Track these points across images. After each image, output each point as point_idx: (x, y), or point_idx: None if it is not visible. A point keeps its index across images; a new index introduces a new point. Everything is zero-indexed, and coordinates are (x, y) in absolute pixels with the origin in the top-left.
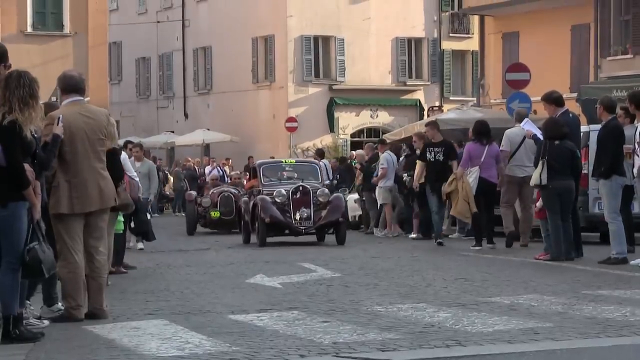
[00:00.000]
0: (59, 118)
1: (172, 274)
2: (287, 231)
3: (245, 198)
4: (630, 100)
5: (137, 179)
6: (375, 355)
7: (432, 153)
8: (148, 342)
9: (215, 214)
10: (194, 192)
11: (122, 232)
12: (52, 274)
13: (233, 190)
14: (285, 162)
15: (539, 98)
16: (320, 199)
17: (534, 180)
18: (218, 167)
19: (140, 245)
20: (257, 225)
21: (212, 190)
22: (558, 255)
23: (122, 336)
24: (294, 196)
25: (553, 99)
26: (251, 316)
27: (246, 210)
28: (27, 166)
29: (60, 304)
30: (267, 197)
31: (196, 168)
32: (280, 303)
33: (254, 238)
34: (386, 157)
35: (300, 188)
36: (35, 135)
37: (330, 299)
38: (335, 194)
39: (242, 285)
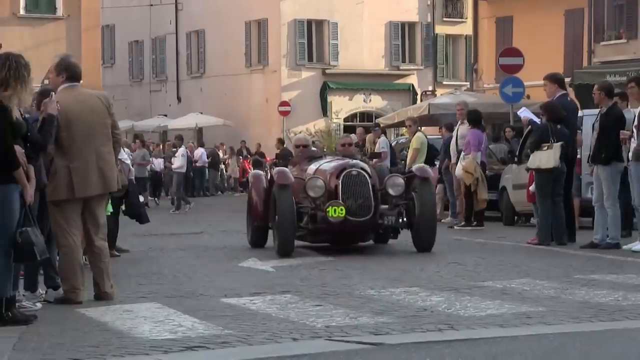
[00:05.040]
0: (50, 96)
1: (165, 258)
2: None
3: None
4: (636, 83)
5: (129, 161)
6: (368, 339)
7: None
8: (141, 325)
9: (337, 212)
10: (260, 172)
11: (113, 214)
12: (46, 257)
13: (362, 165)
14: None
15: (533, 83)
16: None
17: (544, 163)
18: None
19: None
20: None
21: (313, 166)
22: (545, 239)
23: (114, 319)
24: None
25: (557, 79)
26: (244, 300)
27: None
28: (17, 148)
29: (40, 289)
30: None
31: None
32: (273, 287)
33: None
34: (385, 141)
35: None
36: (26, 117)
37: (323, 282)
38: None
39: (235, 268)
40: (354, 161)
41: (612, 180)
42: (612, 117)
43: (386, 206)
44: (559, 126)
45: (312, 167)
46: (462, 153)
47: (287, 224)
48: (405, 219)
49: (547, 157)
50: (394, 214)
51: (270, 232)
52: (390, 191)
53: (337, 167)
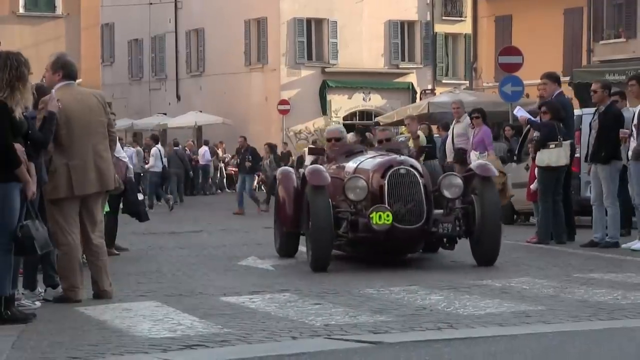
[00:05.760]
0: (51, 94)
1: (164, 256)
2: None
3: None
4: (637, 81)
5: (126, 159)
6: (367, 337)
7: None
8: (140, 323)
9: (382, 218)
10: (289, 169)
11: (112, 212)
12: (47, 252)
13: (412, 162)
14: None
15: (532, 81)
16: None
17: (554, 161)
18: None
19: None
20: None
21: (352, 163)
22: (545, 238)
23: (114, 318)
24: None
25: (557, 78)
26: (243, 298)
27: None
28: (18, 146)
29: (39, 288)
30: None
31: (186, 149)
32: (272, 285)
33: None
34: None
35: None
36: (26, 115)
37: (322, 281)
38: None
39: (234, 267)
40: (402, 157)
41: (612, 179)
42: (611, 115)
43: (440, 211)
44: (561, 125)
45: (351, 165)
46: (474, 152)
47: (323, 235)
48: (463, 227)
49: (557, 155)
50: (450, 221)
51: (302, 239)
52: (446, 193)
53: (383, 165)
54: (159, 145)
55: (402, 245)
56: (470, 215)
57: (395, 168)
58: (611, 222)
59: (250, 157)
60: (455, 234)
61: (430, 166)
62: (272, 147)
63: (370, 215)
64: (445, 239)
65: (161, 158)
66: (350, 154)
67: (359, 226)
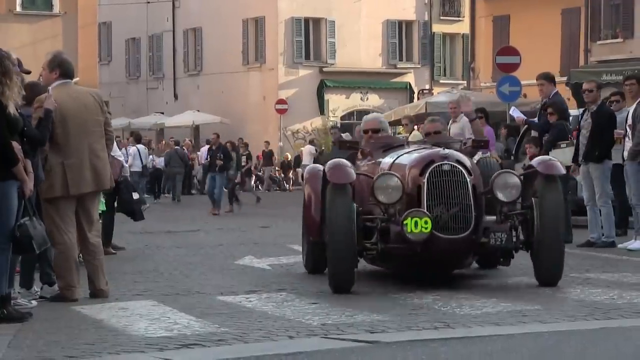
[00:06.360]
0: (47, 92)
1: (161, 255)
2: None
3: None
4: (637, 80)
5: (121, 158)
6: (364, 336)
7: None
8: (136, 322)
9: (419, 225)
10: (319, 166)
11: (108, 211)
12: (45, 249)
13: (458, 157)
14: None
15: (530, 82)
16: None
17: (567, 161)
18: None
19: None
20: None
21: (389, 158)
22: None
23: (110, 317)
24: None
25: (552, 78)
26: (240, 297)
27: None
28: (15, 144)
29: (35, 287)
30: None
31: (184, 149)
32: (269, 284)
33: None
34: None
35: None
36: (22, 112)
37: (318, 280)
38: None
39: (231, 266)
40: (447, 151)
41: (605, 178)
42: (603, 114)
43: (493, 217)
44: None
45: (387, 160)
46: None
47: (342, 246)
48: (521, 237)
49: (569, 155)
50: (504, 229)
51: None
52: (500, 195)
53: (422, 160)
54: (140, 145)
55: (445, 259)
56: (530, 222)
57: (438, 164)
58: (605, 221)
59: (221, 155)
60: (511, 246)
61: (484, 163)
62: (234, 146)
63: (404, 222)
64: (499, 252)
65: (140, 157)
66: (389, 148)
67: (390, 235)
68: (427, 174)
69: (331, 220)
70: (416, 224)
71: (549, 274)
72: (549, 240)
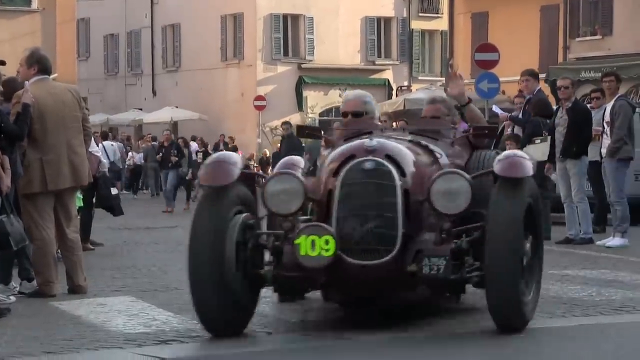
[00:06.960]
0: (25, 87)
1: (140, 251)
2: None
3: None
4: (616, 77)
5: (99, 153)
6: (344, 334)
7: None
8: (115, 318)
9: (317, 247)
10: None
11: (86, 207)
12: (23, 246)
13: (397, 149)
14: None
15: (508, 78)
16: None
17: (540, 156)
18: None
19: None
20: None
21: (336, 152)
22: None
23: (88, 312)
24: None
25: (536, 75)
26: None
27: None
28: None
29: (13, 282)
30: None
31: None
32: None
33: None
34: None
35: None
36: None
37: None
38: None
39: None
40: (376, 142)
41: (582, 174)
42: (579, 111)
43: (432, 235)
44: (547, 120)
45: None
46: None
47: (202, 277)
48: (466, 265)
49: (542, 150)
50: (443, 253)
51: None
52: (439, 205)
53: (341, 154)
54: (107, 142)
55: (358, 292)
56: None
57: (357, 160)
58: (583, 217)
59: (175, 151)
60: (453, 277)
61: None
62: (186, 143)
63: (297, 242)
64: (440, 284)
65: (107, 154)
66: (356, 135)
67: (283, 258)
68: (341, 174)
69: (191, 240)
70: (313, 244)
71: (501, 316)
72: (498, 268)
